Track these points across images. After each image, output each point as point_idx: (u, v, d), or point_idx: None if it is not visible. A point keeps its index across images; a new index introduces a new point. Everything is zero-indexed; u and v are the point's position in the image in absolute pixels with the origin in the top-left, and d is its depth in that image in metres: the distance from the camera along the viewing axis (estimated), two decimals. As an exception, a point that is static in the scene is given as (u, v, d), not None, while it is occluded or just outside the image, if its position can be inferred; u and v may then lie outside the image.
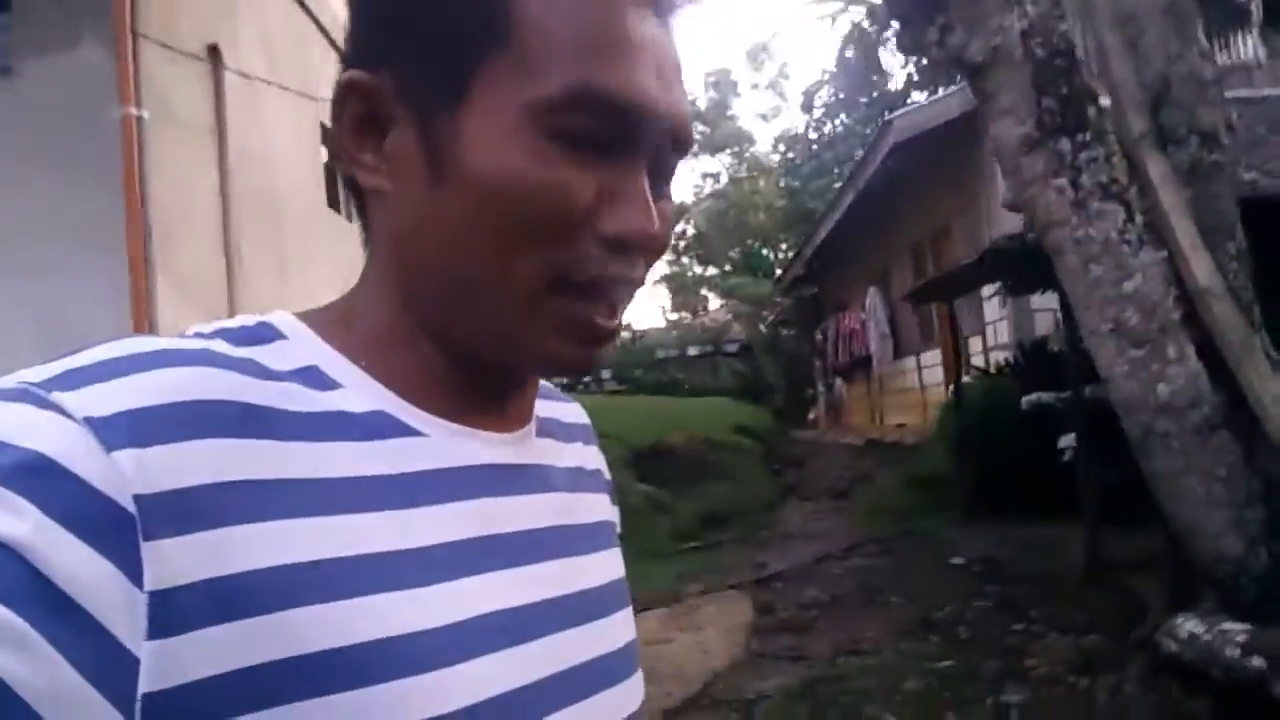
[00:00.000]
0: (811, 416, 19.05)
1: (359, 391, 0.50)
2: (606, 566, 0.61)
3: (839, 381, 16.92)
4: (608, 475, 0.70)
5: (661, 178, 0.51)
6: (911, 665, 4.48)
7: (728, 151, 32.04)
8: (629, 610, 0.62)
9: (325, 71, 7.63)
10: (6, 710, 0.35)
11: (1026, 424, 6.38)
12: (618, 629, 0.59)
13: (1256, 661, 3.15)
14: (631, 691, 0.58)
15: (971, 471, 7.61)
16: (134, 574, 0.38)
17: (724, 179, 31.88)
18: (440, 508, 0.49)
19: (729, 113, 32.46)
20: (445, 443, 0.51)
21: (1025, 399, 6.50)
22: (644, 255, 0.51)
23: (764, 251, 29.34)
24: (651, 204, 0.49)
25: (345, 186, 0.54)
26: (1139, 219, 3.84)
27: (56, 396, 0.41)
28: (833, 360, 16.43)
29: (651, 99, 0.48)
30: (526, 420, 0.58)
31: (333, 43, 7.57)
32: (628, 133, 0.48)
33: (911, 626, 5.14)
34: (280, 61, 6.77)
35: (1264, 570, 3.59)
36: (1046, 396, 6.33)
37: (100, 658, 0.37)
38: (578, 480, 0.62)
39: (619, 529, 0.69)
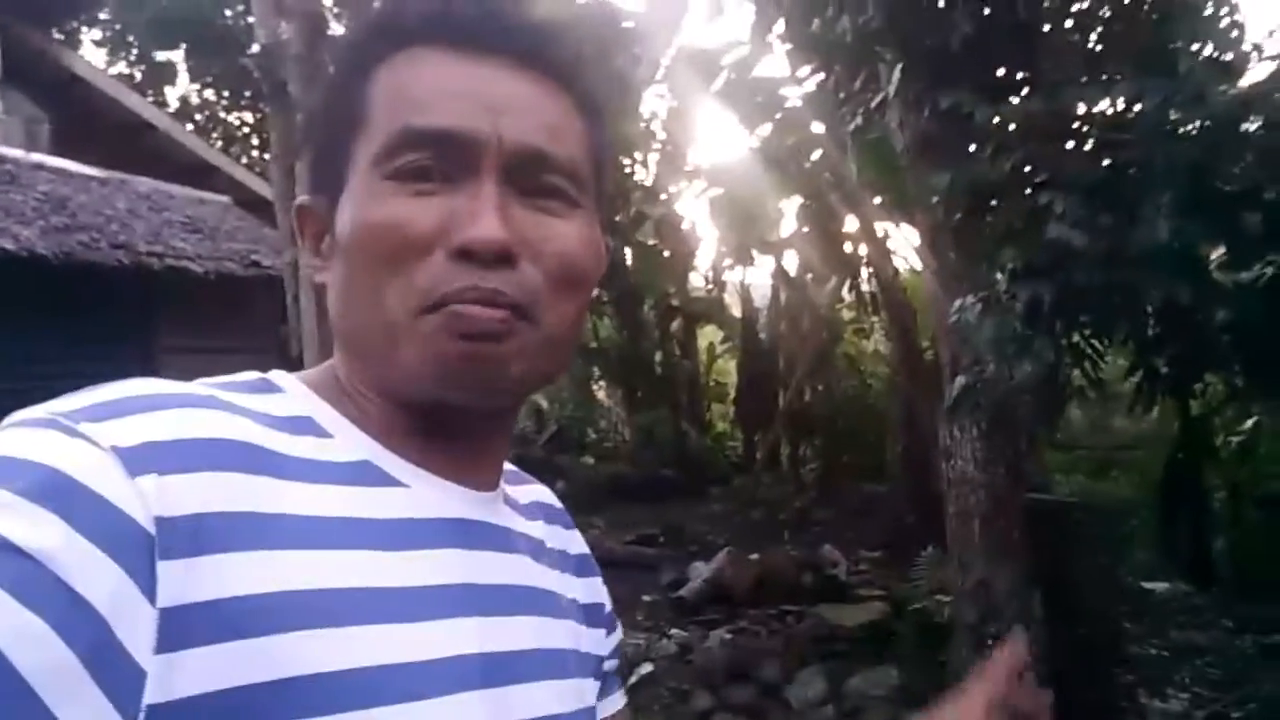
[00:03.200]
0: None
1: (348, 441, 0.54)
2: (565, 634, 0.62)
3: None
4: (579, 551, 0.72)
5: (543, 195, 0.55)
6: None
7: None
8: (593, 682, 0.65)
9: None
10: (27, 711, 0.37)
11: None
12: (571, 694, 0.60)
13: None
14: None
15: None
16: (149, 591, 0.41)
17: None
18: (417, 553, 0.52)
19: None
20: (424, 494, 0.55)
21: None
22: (501, 262, 0.52)
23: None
24: (494, 215, 0.51)
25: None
26: None
27: (85, 427, 0.44)
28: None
29: (468, 129, 0.53)
30: (496, 484, 0.62)
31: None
32: (457, 158, 0.53)
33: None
34: None
35: None
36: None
37: (115, 668, 0.39)
38: (539, 552, 0.64)
39: (608, 605, 0.72)
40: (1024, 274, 3.11)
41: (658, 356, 11.67)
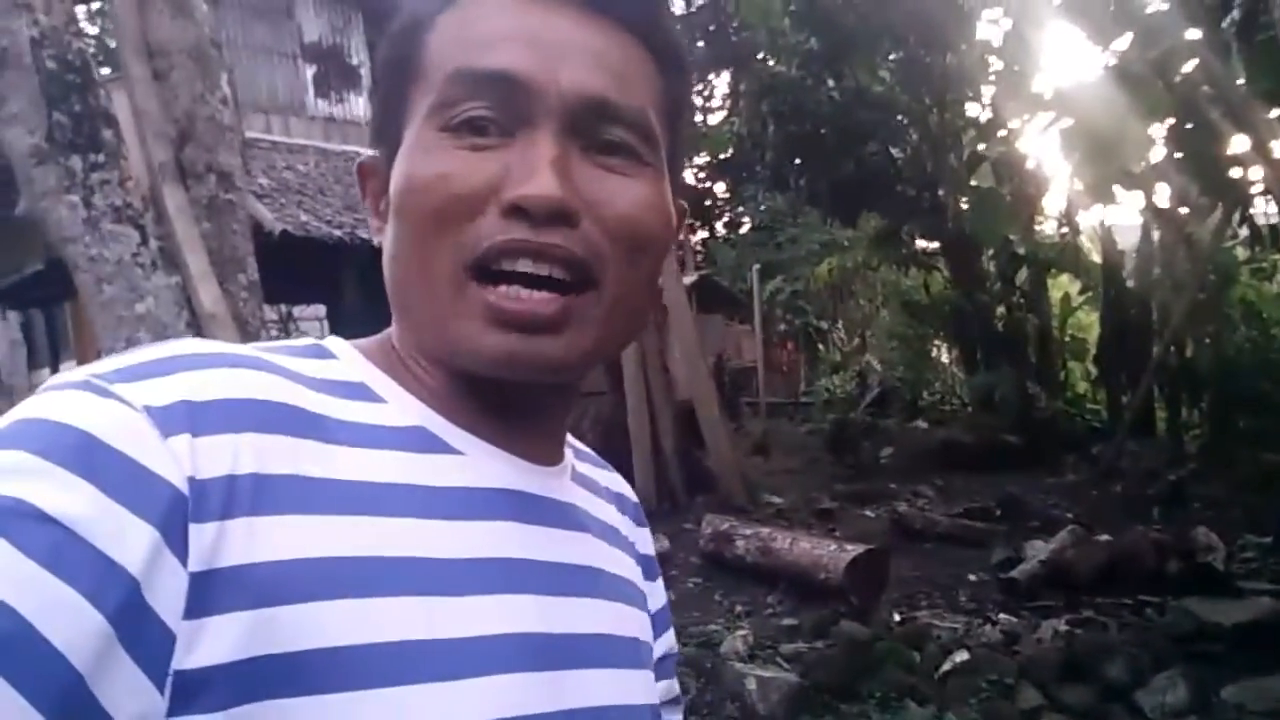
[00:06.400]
0: None
1: (402, 407, 0.52)
2: (635, 624, 0.60)
3: None
4: (646, 551, 0.69)
5: (608, 152, 0.51)
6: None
7: None
8: (652, 676, 0.61)
9: None
10: (56, 676, 0.35)
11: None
12: (639, 686, 0.58)
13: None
14: None
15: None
16: (181, 553, 0.39)
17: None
18: (471, 523, 0.49)
19: None
20: (480, 462, 0.52)
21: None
22: (558, 220, 0.48)
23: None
24: (549, 170, 0.47)
25: None
26: (154, 244, 4.18)
27: (118, 388, 0.42)
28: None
29: (525, 72, 0.48)
30: (560, 459, 0.59)
31: None
32: (513, 106, 0.49)
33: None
34: None
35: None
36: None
37: (145, 632, 0.38)
38: (611, 536, 0.62)
39: (667, 611, 0.70)
40: None
41: (999, 311, 10.64)
